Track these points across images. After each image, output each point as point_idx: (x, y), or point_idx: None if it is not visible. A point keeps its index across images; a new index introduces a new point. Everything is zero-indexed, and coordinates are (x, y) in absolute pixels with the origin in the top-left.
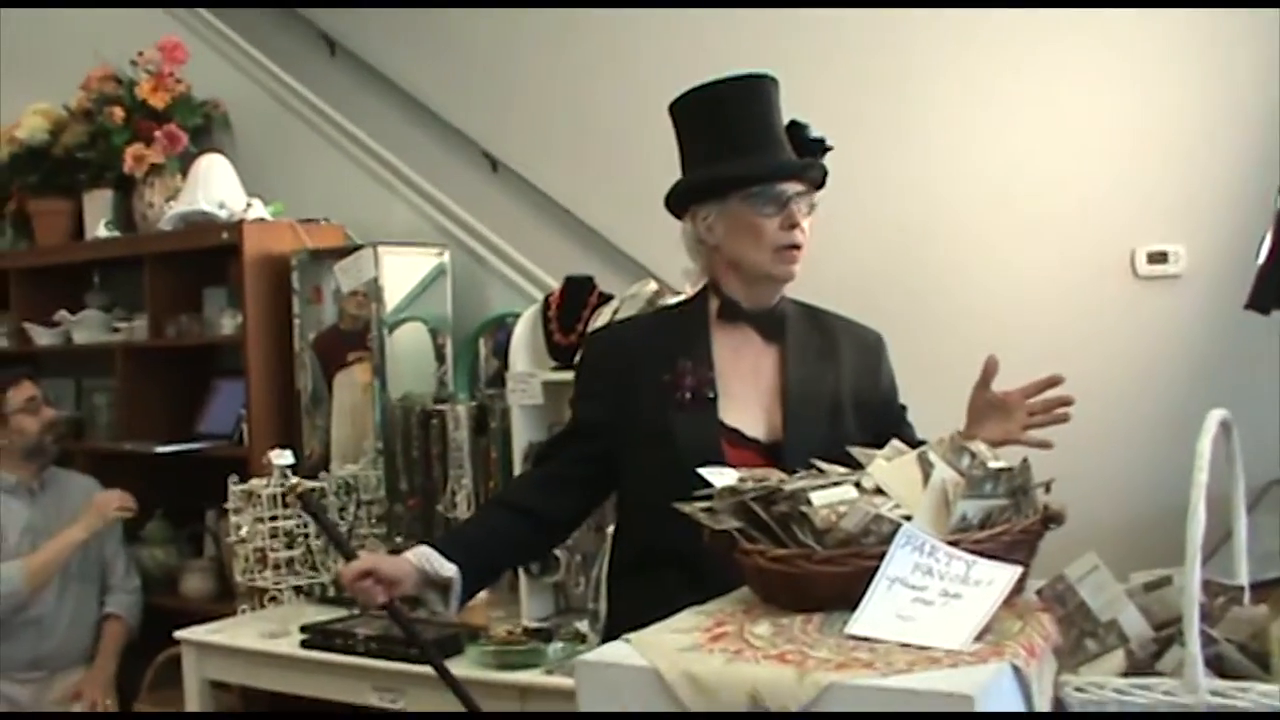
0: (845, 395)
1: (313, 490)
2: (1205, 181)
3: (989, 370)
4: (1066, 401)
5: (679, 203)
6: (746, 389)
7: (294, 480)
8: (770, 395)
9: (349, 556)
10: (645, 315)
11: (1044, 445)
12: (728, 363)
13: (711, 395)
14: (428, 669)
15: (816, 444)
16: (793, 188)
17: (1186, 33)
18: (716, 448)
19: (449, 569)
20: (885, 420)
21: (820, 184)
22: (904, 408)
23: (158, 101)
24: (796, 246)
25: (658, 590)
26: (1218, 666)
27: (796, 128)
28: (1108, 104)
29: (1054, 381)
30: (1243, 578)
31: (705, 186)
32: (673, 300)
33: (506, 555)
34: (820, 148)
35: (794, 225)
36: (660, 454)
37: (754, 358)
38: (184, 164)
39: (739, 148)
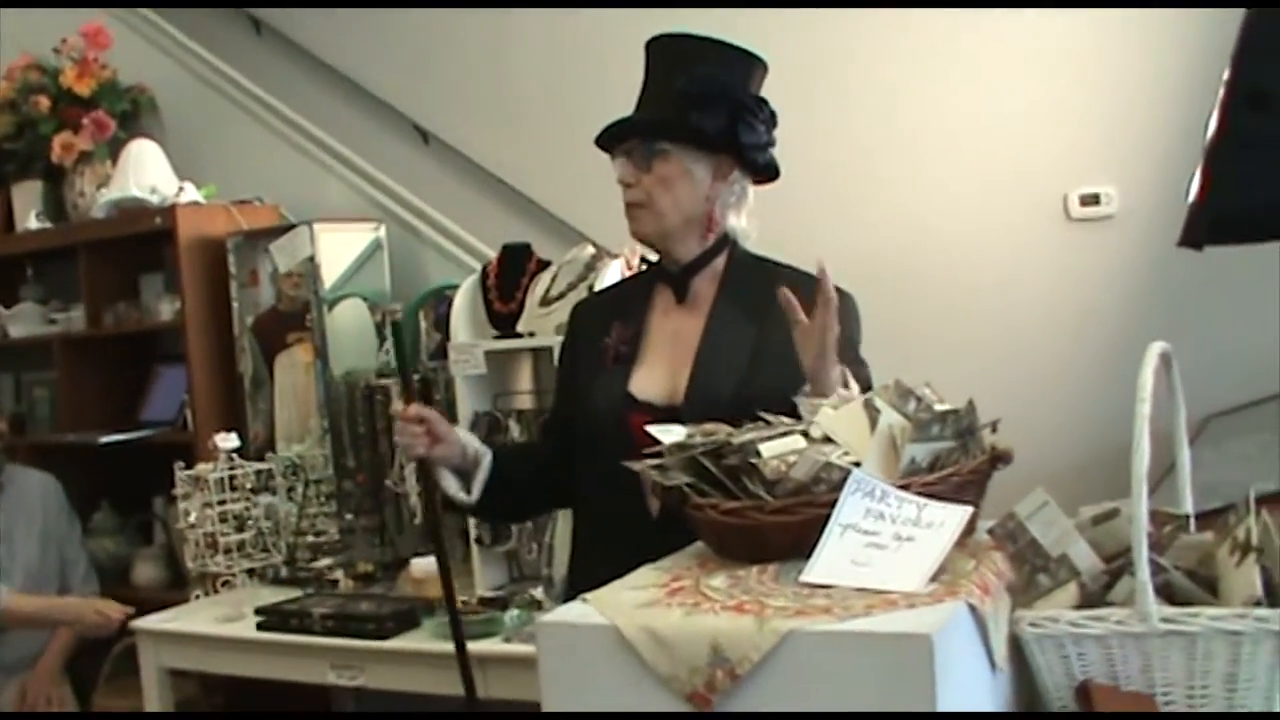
0: (768, 357)
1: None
2: (1135, 122)
3: (791, 307)
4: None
5: None
6: (662, 350)
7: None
8: (683, 357)
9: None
10: (623, 280)
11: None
12: (656, 323)
13: (629, 355)
14: (385, 644)
15: (720, 410)
16: (626, 144)
17: None
18: (620, 412)
19: (484, 450)
20: None
21: (717, 141)
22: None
23: (83, 88)
24: (629, 204)
25: (584, 548)
26: (1168, 594)
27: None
28: (1035, 48)
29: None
30: (1188, 506)
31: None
32: (611, 265)
33: (531, 476)
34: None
35: (623, 183)
36: (583, 415)
37: (678, 319)
38: (113, 151)
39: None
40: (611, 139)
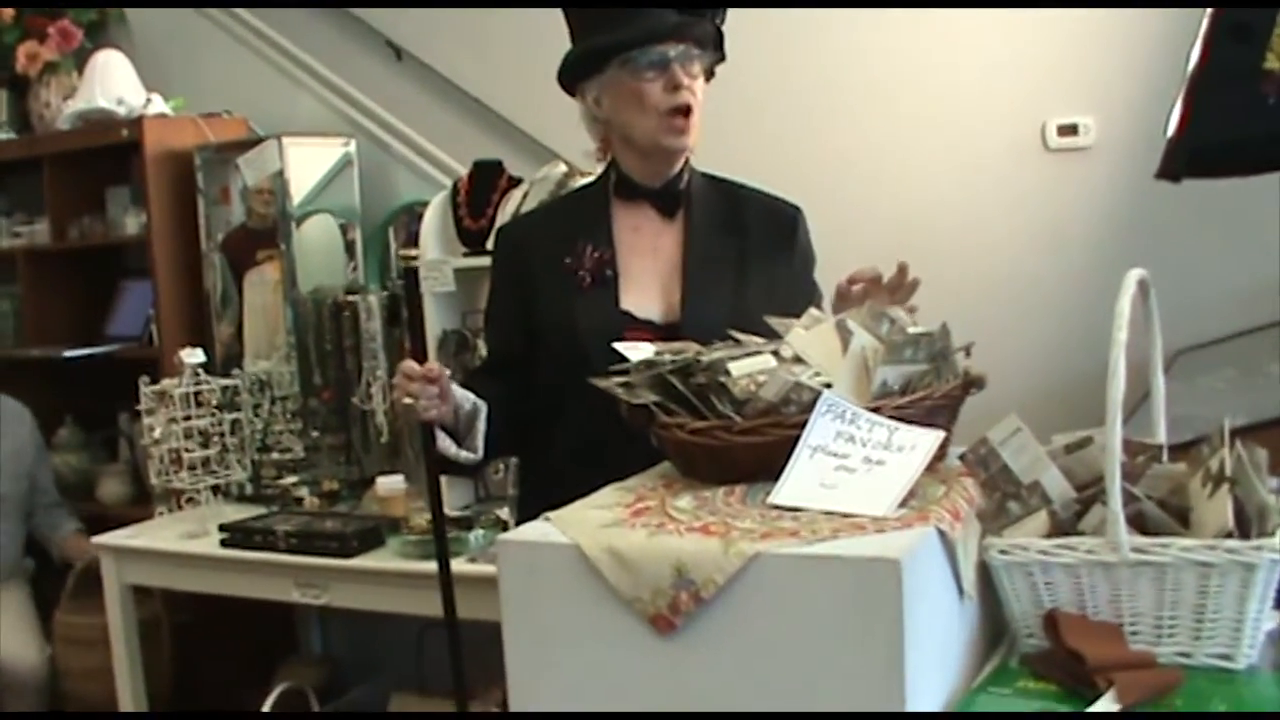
0: (752, 271)
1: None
2: (1115, 53)
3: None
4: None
5: (568, 80)
6: (645, 268)
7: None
8: (670, 273)
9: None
10: (549, 202)
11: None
12: (627, 242)
13: (611, 275)
14: (349, 562)
15: (716, 323)
16: (673, 48)
17: None
18: (617, 331)
19: (480, 404)
20: (796, 296)
21: (715, 46)
22: (815, 284)
23: None
24: (682, 110)
25: (564, 476)
26: (1139, 524)
27: None
28: None
29: (904, 267)
30: (1162, 437)
31: (585, 59)
32: (580, 182)
33: (508, 421)
34: (708, 8)
35: (677, 86)
36: (563, 339)
37: (654, 235)
38: (79, 62)
39: (617, 16)
40: (662, 38)
